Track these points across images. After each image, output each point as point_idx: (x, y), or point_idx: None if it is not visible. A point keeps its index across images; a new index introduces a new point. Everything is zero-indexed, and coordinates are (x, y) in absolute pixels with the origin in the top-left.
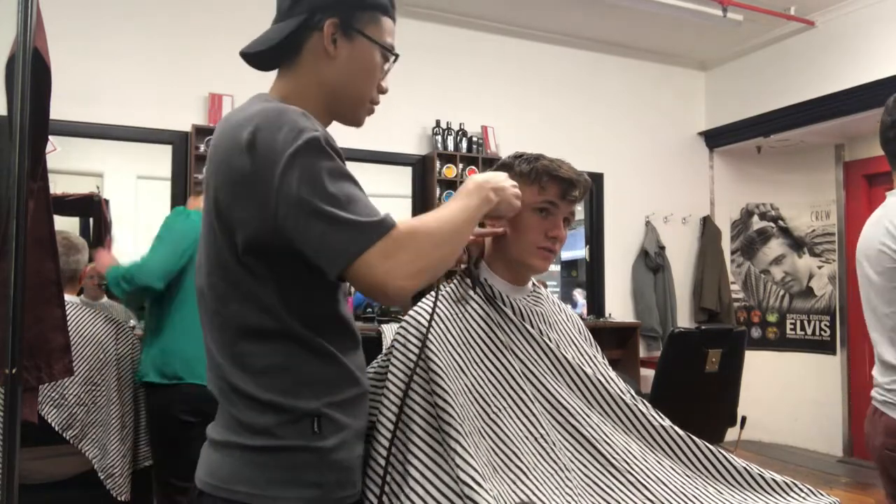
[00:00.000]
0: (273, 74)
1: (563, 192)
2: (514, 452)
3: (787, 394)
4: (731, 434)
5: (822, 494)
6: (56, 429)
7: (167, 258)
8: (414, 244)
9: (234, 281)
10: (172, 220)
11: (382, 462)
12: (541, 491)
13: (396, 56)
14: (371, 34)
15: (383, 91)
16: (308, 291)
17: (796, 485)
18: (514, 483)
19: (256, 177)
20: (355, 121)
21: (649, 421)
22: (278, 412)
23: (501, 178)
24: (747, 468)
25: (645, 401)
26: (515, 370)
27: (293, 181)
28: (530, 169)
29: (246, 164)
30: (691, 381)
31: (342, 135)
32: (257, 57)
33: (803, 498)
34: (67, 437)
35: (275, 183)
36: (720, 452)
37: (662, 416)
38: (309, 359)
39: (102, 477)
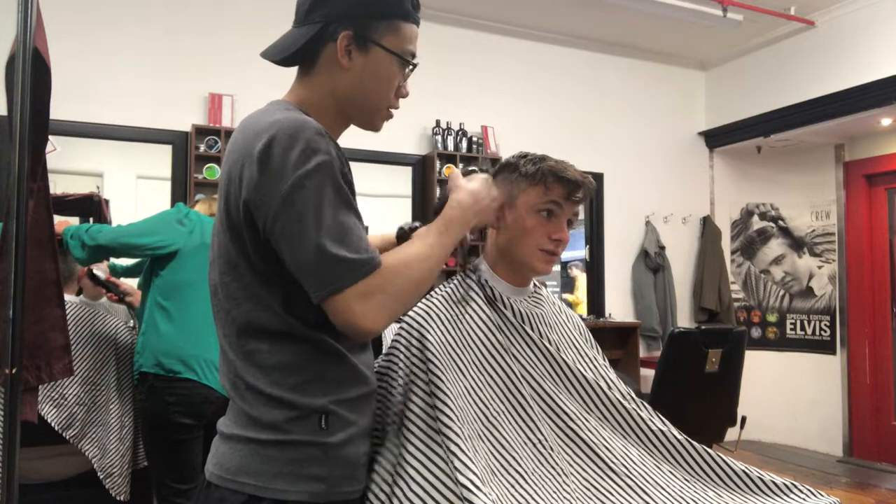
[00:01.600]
0: (273, 76)
1: (567, 193)
2: (512, 457)
3: (787, 394)
4: (731, 434)
5: (822, 495)
6: (56, 429)
7: (131, 229)
8: (392, 287)
9: (245, 281)
10: (165, 211)
11: (384, 463)
12: (539, 495)
13: (415, 64)
14: (388, 44)
15: (403, 96)
16: None
17: (796, 486)
18: (513, 487)
19: (264, 188)
20: (371, 127)
21: (648, 426)
22: (287, 408)
23: (483, 196)
24: (746, 471)
25: (645, 404)
26: (515, 373)
27: (297, 202)
28: (536, 170)
29: (255, 174)
30: (691, 381)
31: (345, 133)
32: (277, 60)
33: (803, 499)
34: (67, 437)
35: (279, 198)
36: (719, 456)
37: (663, 419)
38: (317, 357)
39: (102, 477)
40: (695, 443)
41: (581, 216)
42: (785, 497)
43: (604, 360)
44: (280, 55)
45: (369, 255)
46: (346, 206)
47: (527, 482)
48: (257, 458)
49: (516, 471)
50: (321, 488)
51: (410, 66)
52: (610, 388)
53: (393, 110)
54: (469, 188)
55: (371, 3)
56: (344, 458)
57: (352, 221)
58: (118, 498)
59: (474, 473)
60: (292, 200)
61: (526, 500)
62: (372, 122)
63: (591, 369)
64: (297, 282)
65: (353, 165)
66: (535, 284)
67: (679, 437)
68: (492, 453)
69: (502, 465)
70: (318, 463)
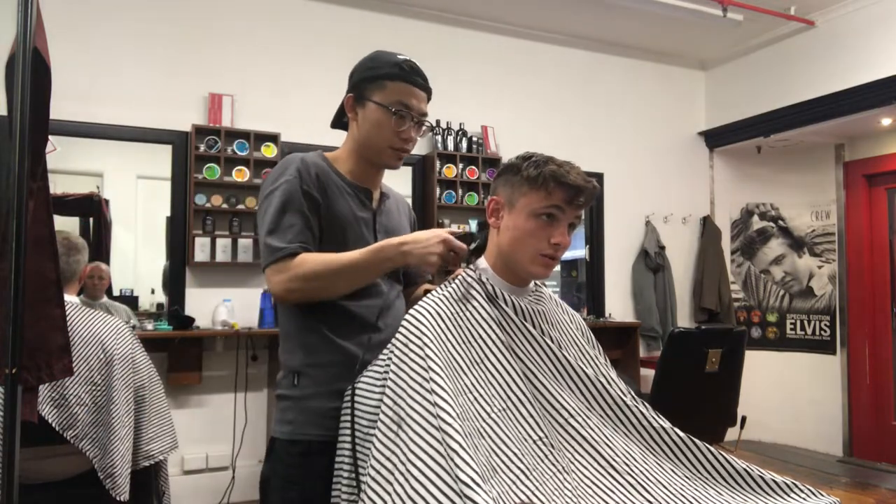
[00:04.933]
0: (273, 77)
1: (569, 198)
2: (513, 453)
3: (787, 394)
4: (731, 434)
5: (822, 495)
6: (56, 429)
7: None
8: (293, 272)
9: None
10: None
11: (383, 460)
12: (541, 492)
13: (401, 111)
14: (377, 99)
15: (407, 139)
16: None
17: (797, 485)
18: (514, 484)
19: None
20: (384, 164)
21: (650, 423)
22: (282, 368)
23: (423, 243)
24: (748, 469)
25: (646, 402)
26: (516, 371)
27: (261, 207)
28: (538, 174)
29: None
30: (691, 381)
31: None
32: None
33: (804, 498)
34: (67, 437)
35: (259, 203)
36: (721, 454)
37: (663, 418)
38: (301, 330)
39: (102, 477)
40: (696, 440)
41: (581, 216)
42: (785, 496)
43: (604, 358)
44: (333, 124)
45: (290, 246)
46: (287, 213)
47: (528, 479)
48: (275, 409)
49: (518, 468)
50: (290, 429)
51: (400, 114)
52: (611, 385)
53: (402, 151)
54: (416, 233)
55: (365, 71)
56: (309, 409)
57: (288, 222)
58: (118, 498)
59: (475, 471)
60: (260, 206)
61: (527, 497)
62: (382, 160)
63: (591, 367)
64: None
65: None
66: (535, 283)
67: (680, 434)
68: (492, 450)
69: (503, 463)
70: (290, 410)
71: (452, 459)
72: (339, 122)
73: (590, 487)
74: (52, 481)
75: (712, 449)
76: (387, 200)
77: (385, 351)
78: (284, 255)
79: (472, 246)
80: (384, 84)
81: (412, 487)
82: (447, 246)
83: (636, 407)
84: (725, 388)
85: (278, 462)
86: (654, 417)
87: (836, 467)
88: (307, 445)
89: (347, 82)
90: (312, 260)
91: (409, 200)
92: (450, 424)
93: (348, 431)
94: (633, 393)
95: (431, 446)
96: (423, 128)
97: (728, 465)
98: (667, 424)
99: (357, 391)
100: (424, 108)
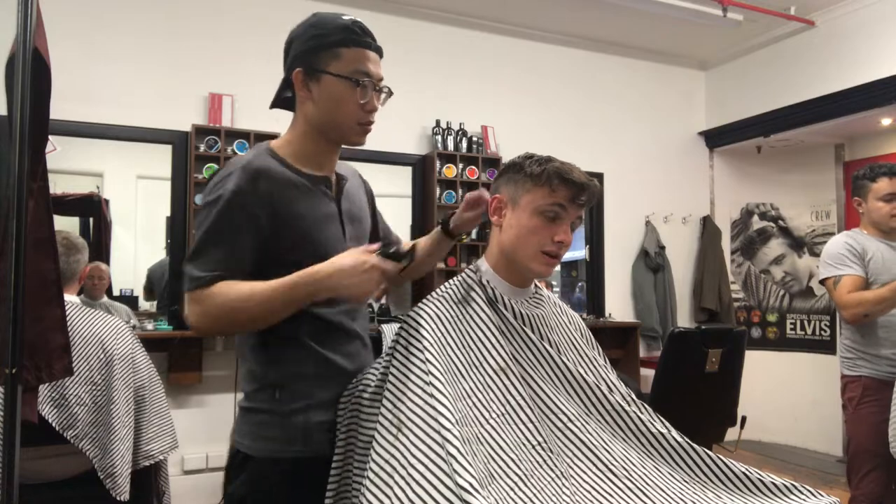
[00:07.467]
0: (273, 76)
1: (572, 196)
2: (512, 459)
3: (787, 394)
4: (731, 434)
5: (821, 495)
6: (56, 429)
7: None
8: (205, 307)
9: None
10: None
11: (383, 464)
12: (539, 498)
13: (363, 80)
14: (333, 69)
15: (371, 110)
16: None
17: (796, 486)
18: (512, 490)
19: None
20: (350, 141)
21: (648, 428)
22: (254, 381)
23: (347, 276)
24: (746, 472)
25: (645, 405)
26: (515, 375)
27: (198, 220)
28: (541, 171)
29: None
30: (691, 381)
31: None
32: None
33: (804, 499)
34: (67, 437)
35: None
36: (719, 458)
37: (663, 421)
38: (277, 341)
39: (102, 477)
40: (695, 445)
41: (582, 217)
42: (785, 498)
43: (604, 360)
44: (273, 103)
45: (207, 275)
46: (217, 234)
47: (526, 485)
48: (241, 421)
49: (515, 473)
50: (273, 446)
51: (363, 84)
52: (611, 390)
53: (368, 124)
54: (338, 263)
55: (312, 41)
56: (293, 424)
57: (216, 246)
58: (118, 498)
59: (473, 476)
60: (198, 218)
61: (525, 502)
62: (347, 138)
63: (591, 371)
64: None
65: (353, 165)
66: (535, 285)
67: (679, 439)
68: (491, 456)
69: (501, 468)
70: (273, 426)
71: (451, 465)
72: (280, 100)
73: (588, 492)
74: (52, 481)
75: (710, 453)
76: (345, 183)
77: (385, 352)
78: (201, 285)
79: (405, 263)
80: (338, 52)
81: (413, 491)
82: (379, 274)
83: (635, 412)
84: (725, 388)
85: (259, 482)
86: (651, 422)
87: (836, 467)
88: (293, 464)
89: (284, 54)
90: (226, 293)
91: (409, 200)
92: (449, 430)
93: (343, 441)
94: (633, 396)
95: (432, 450)
96: (384, 95)
97: (727, 469)
98: (666, 429)
99: (354, 396)
100: (381, 72)
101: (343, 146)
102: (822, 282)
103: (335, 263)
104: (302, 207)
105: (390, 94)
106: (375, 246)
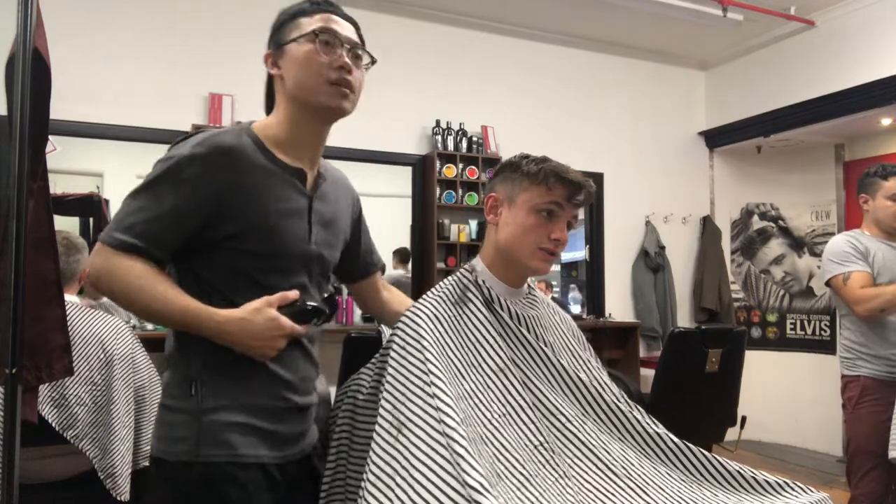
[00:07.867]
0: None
1: (569, 194)
2: (515, 459)
3: (787, 394)
4: (731, 434)
5: (812, 491)
6: (56, 429)
7: None
8: (109, 272)
9: None
10: None
11: (383, 465)
12: (544, 498)
13: (323, 36)
14: (295, 35)
15: (340, 66)
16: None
17: (788, 483)
18: (518, 490)
19: None
20: (329, 108)
21: (644, 428)
22: (172, 371)
23: (251, 338)
24: (741, 471)
25: (639, 407)
26: (514, 376)
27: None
28: (538, 169)
29: None
30: (691, 381)
31: (345, 133)
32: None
33: (795, 496)
34: (67, 437)
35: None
36: (714, 457)
37: (657, 422)
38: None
39: (102, 477)
40: (690, 445)
41: (581, 216)
42: (777, 494)
43: (597, 361)
44: (266, 105)
45: (126, 241)
46: (153, 195)
47: (532, 485)
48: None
49: (521, 474)
50: (186, 449)
51: (325, 40)
52: (604, 390)
53: (342, 83)
54: (248, 322)
55: (275, 25)
56: (211, 424)
57: (147, 205)
58: (118, 498)
59: (482, 476)
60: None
61: (532, 502)
62: (321, 102)
63: (585, 371)
64: (176, 255)
65: (353, 165)
66: (529, 285)
67: (674, 439)
68: (495, 456)
69: (506, 469)
70: (185, 426)
71: (459, 465)
72: (272, 100)
73: (591, 492)
74: (52, 481)
75: (705, 452)
76: (323, 183)
77: (381, 351)
78: (114, 245)
79: (318, 321)
80: (298, 21)
81: (416, 493)
82: (286, 336)
83: (630, 412)
84: (725, 388)
85: (174, 490)
86: (647, 423)
87: (836, 467)
88: (205, 468)
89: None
90: (134, 277)
91: (409, 200)
92: (454, 429)
93: (336, 442)
94: (625, 397)
95: (436, 451)
96: (365, 61)
97: (721, 468)
98: (660, 430)
99: (348, 396)
100: (355, 38)
101: (343, 148)
102: (828, 282)
103: (245, 321)
104: (265, 195)
105: (373, 61)
106: (294, 294)
